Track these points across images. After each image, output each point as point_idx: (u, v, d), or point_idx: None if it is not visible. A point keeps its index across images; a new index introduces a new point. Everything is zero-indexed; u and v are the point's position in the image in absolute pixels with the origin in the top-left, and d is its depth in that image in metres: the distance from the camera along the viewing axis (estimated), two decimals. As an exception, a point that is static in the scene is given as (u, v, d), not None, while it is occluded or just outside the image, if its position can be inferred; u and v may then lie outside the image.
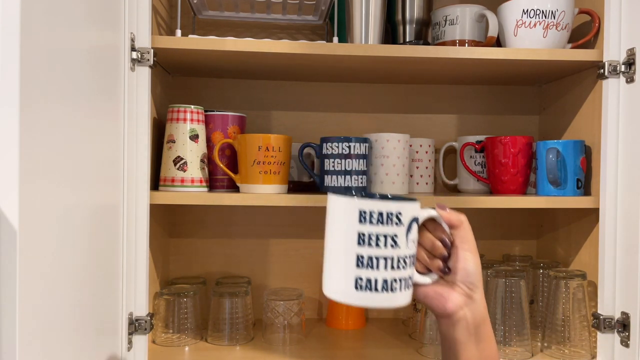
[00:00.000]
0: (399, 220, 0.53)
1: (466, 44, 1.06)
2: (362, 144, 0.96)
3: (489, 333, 0.60)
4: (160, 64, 1.04)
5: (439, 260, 0.59)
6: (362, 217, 0.52)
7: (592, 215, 1.02)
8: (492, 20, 1.00)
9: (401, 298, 0.55)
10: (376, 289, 0.53)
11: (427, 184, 1.13)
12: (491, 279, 1.01)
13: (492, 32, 1.00)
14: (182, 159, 0.96)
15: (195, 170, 0.97)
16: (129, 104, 0.87)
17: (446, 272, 0.59)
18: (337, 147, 0.96)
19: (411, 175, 1.11)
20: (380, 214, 0.52)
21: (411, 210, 0.54)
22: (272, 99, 1.22)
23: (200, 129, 0.99)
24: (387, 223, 0.52)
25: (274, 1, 1.02)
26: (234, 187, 1.04)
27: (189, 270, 1.21)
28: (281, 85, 1.22)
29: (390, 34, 1.16)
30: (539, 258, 1.26)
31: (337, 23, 1.06)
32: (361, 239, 0.52)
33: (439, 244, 0.59)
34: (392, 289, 0.53)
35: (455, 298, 0.58)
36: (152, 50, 0.88)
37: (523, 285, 0.99)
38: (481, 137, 1.12)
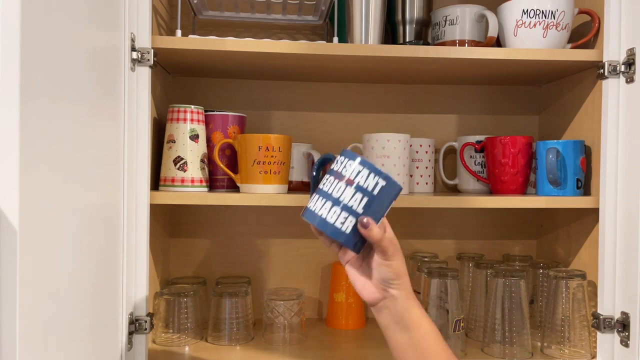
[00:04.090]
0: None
1: (466, 44, 1.06)
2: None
3: (416, 320, 0.66)
4: (160, 64, 1.04)
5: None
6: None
7: (592, 215, 1.02)
8: (492, 20, 1.00)
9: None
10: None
11: (427, 184, 1.13)
12: (491, 279, 1.01)
13: (492, 32, 1.00)
14: (182, 159, 0.96)
15: (195, 170, 0.97)
16: (129, 104, 0.87)
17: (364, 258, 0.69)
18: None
19: (411, 175, 1.11)
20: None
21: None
22: (272, 99, 1.22)
23: (201, 129, 0.99)
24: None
25: (274, 1, 1.02)
26: (234, 187, 1.04)
27: (189, 270, 1.21)
28: (281, 85, 1.22)
29: (390, 34, 1.16)
30: (538, 258, 1.26)
31: (337, 23, 1.06)
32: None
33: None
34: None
35: (373, 292, 0.67)
36: (152, 50, 0.88)
37: (523, 285, 0.99)
38: (481, 137, 1.12)
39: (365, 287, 0.68)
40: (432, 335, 0.66)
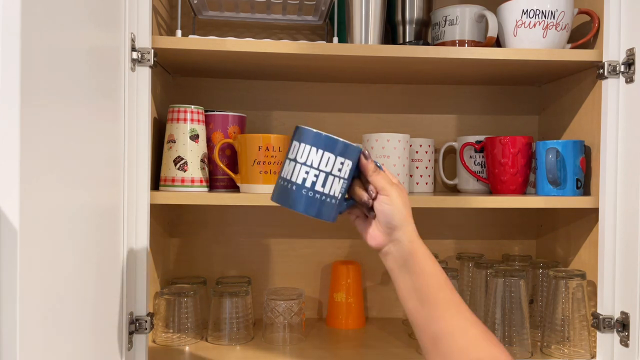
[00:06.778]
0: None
1: (466, 44, 1.06)
2: None
3: (420, 266, 0.66)
4: (160, 64, 1.04)
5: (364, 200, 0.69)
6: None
7: (591, 215, 1.02)
8: (492, 20, 1.00)
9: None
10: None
11: (427, 183, 1.13)
12: (491, 279, 1.01)
13: (492, 32, 1.00)
14: (182, 159, 0.96)
15: (195, 170, 0.97)
16: (129, 104, 0.87)
17: (371, 216, 0.69)
18: None
19: (411, 175, 1.11)
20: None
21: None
22: (272, 99, 1.22)
23: (201, 129, 0.99)
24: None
25: (274, 1, 1.02)
26: (234, 187, 1.04)
27: (189, 270, 1.21)
28: (281, 85, 1.23)
29: (390, 34, 1.16)
30: (538, 258, 1.26)
31: (337, 23, 1.06)
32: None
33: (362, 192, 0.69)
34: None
35: (378, 237, 0.68)
36: (152, 50, 0.88)
37: (523, 285, 0.99)
38: (481, 137, 1.12)
39: (370, 233, 0.69)
40: (436, 281, 0.65)
